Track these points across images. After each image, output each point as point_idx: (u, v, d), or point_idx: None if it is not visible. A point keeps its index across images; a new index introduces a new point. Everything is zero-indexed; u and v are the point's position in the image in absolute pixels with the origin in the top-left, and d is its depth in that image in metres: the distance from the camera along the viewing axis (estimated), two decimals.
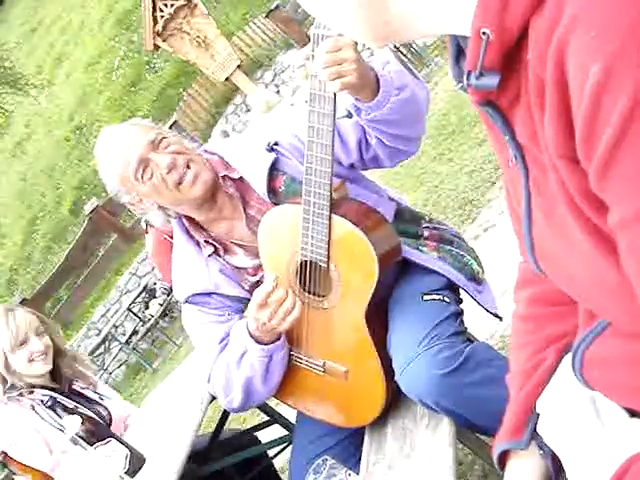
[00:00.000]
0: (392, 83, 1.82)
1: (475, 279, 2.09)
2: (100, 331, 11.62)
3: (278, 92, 12.68)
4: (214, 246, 2.09)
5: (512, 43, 0.73)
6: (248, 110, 12.81)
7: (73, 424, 2.20)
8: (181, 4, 12.52)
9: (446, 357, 1.79)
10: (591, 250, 0.76)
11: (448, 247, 2.10)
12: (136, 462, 2.23)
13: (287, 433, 2.73)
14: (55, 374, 2.66)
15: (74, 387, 2.68)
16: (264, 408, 2.67)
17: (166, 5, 12.48)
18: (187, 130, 12.64)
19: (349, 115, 1.96)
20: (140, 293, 11.44)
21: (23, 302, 12.70)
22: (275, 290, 1.87)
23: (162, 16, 12.48)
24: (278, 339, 2.00)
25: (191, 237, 2.12)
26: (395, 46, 8.32)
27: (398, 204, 2.16)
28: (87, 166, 15.24)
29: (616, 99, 0.64)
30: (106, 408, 2.68)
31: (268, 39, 13.16)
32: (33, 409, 2.49)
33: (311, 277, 1.94)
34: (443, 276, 2.03)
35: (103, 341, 10.99)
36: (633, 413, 0.94)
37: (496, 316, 2.12)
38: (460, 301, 2.07)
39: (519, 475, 1.10)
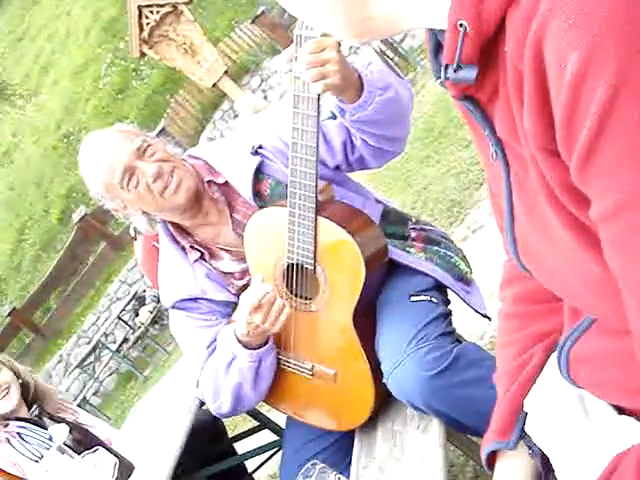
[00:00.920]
0: (376, 83, 1.82)
1: (463, 279, 2.09)
2: (90, 340, 11.58)
3: (265, 97, 12.68)
4: (200, 251, 2.08)
5: (489, 35, 0.72)
6: (236, 116, 12.80)
7: (60, 433, 2.17)
8: (167, 11, 12.50)
9: (434, 358, 1.78)
10: (573, 245, 0.76)
11: (435, 248, 2.09)
12: (125, 470, 2.21)
13: (277, 438, 2.72)
14: (30, 405, 2.60)
15: (59, 415, 2.61)
16: (253, 413, 2.65)
17: (152, 12, 12.46)
18: (175, 137, 12.62)
19: (333, 117, 1.96)
20: (130, 301, 11.42)
21: (12, 311, 12.68)
22: (267, 292, 1.87)
23: (148, 23, 12.47)
24: (266, 343, 1.99)
25: (177, 242, 2.11)
26: (381, 49, 8.33)
27: (385, 206, 2.15)
28: (75, 174, 15.15)
29: (595, 89, 0.63)
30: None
31: (254, 45, 13.17)
32: (8, 442, 2.43)
33: (298, 280, 1.93)
34: (431, 277, 2.02)
35: (93, 349, 10.96)
36: (621, 410, 0.93)
37: (485, 317, 2.11)
38: (448, 302, 2.06)
39: (508, 476, 1.09)
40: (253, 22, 12.80)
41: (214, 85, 12.82)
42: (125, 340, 11.21)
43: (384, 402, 1.98)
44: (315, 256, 1.86)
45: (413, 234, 2.11)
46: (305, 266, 1.89)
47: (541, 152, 0.72)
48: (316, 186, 1.81)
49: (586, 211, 0.71)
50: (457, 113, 5.41)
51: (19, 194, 17.49)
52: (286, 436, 2.29)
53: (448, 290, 2.07)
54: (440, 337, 1.84)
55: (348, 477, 1.89)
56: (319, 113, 1.74)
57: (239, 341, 1.97)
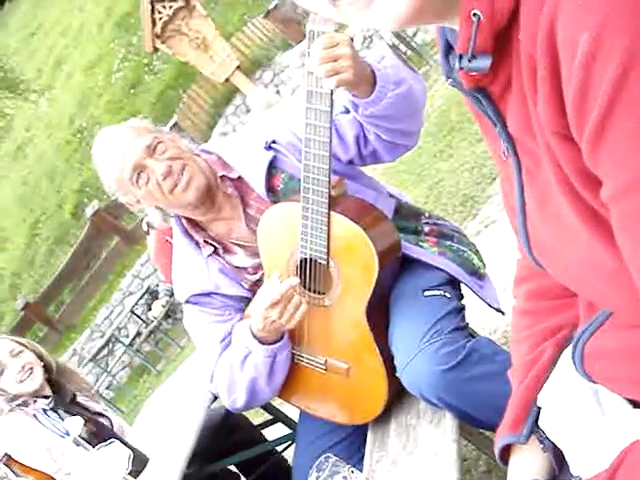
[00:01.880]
0: (389, 78, 1.82)
1: (476, 274, 2.08)
2: (103, 333, 11.63)
3: (278, 92, 12.67)
4: (213, 246, 2.09)
5: (503, 24, 0.72)
6: (248, 111, 12.80)
7: (75, 425, 2.19)
8: (179, 6, 12.51)
9: (448, 352, 1.78)
10: (586, 235, 0.75)
11: (448, 242, 2.09)
12: (139, 463, 2.23)
13: (290, 431, 2.73)
14: (54, 385, 2.67)
15: (78, 400, 2.68)
16: (267, 407, 2.67)
17: (164, 7, 12.46)
18: (187, 132, 12.64)
19: (346, 111, 1.96)
20: (143, 295, 11.46)
21: (26, 306, 12.75)
22: (291, 285, 1.88)
23: (161, 18, 12.48)
24: (281, 338, 2.00)
25: (190, 237, 2.12)
26: (394, 43, 8.31)
27: (398, 200, 2.15)
28: (88, 169, 15.21)
29: (606, 68, 0.63)
30: (108, 418, 2.68)
31: (267, 39, 13.14)
32: (35, 417, 2.50)
33: (311, 275, 1.93)
34: (444, 271, 2.02)
35: (107, 343, 11.01)
36: (636, 404, 0.93)
37: (499, 311, 2.11)
38: (461, 297, 2.06)
39: (522, 470, 1.09)
40: (265, 17, 12.79)
41: (226, 80, 12.82)
42: (138, 334, 11.26)
43: (397, 396, 1.98)
44: (328, 251, 1.86)
45: (426, 228, 2.11)
46: (318, 261, 1.89)
47: (555, 136, 0.72)
48: (329, 181, 1.81)
49: (599, 197, 0.71)
50: None
51: (32, 189, 17.57)
52: (299, 429, 2.29)
53: (461, 284, 2.07)
54: (453, 332, 1.84)
55: (361, 471, 1.89)
56: (332, 108, 1.74)
57: (254, 336, 1.98)
